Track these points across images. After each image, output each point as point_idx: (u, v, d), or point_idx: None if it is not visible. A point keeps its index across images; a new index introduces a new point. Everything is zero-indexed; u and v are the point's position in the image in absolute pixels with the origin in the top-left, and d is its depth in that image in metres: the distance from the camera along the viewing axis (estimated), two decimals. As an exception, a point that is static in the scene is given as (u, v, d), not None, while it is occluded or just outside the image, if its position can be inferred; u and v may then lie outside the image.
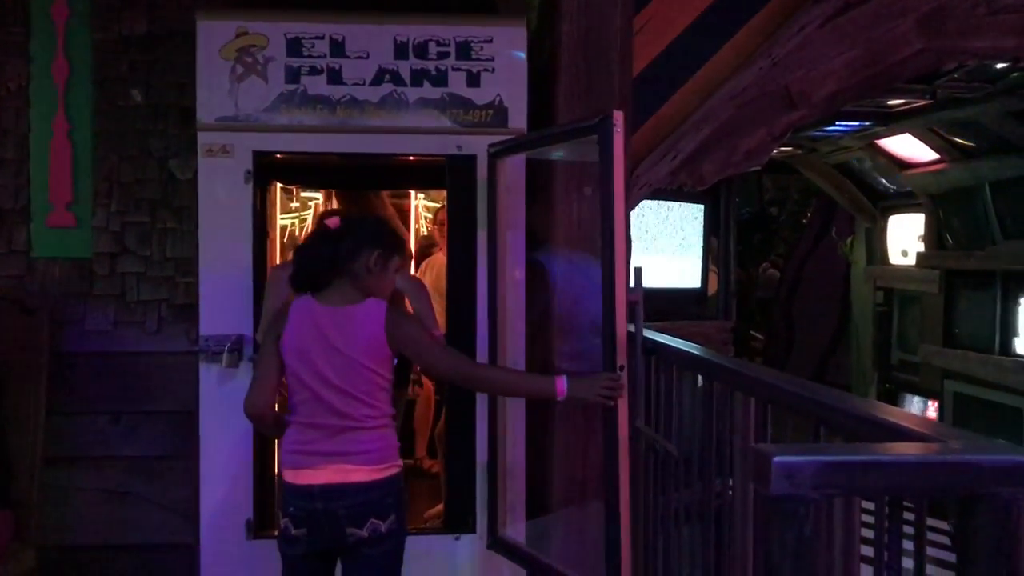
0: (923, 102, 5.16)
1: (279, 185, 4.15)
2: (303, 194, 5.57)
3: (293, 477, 2.47)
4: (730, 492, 2.18)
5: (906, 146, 6.07)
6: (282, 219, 4.50)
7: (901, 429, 1.35)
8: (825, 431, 1.55)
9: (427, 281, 3.90)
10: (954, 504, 1.16)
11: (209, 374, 3.26)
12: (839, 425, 1.53)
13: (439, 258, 4.26)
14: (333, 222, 2.54)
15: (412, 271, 4.61)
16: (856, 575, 1.51)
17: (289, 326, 2.45)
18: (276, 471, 3.84)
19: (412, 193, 5.34)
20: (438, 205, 4.78)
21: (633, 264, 2.90)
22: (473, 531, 3.38)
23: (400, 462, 2.55)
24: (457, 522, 3.41)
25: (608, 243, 2.61)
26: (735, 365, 2.20)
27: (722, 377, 2.18)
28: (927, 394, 6.40)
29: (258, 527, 3.30)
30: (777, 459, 1.11)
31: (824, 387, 1.67)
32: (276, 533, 2.63)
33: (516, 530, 3.35)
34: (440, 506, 3.73)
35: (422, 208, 5.47)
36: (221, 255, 3.26)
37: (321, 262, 2.46)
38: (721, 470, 2.27)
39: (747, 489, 2.04)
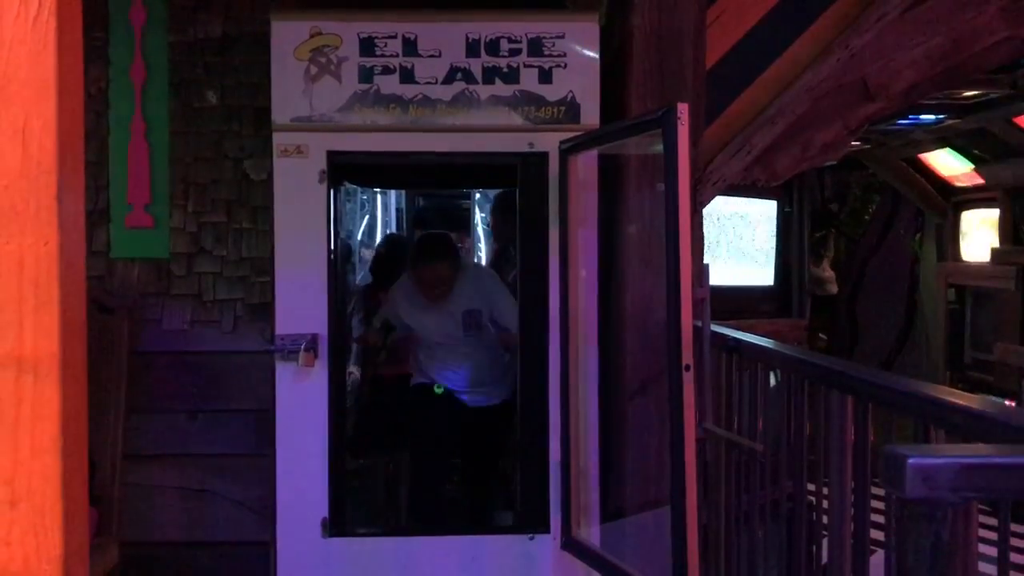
0: (1000, 92, 5.01)
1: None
2: (361, 197, 5.60)
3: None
4: (824, 491, 2.12)
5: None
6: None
7: (1031, 429, 1.28)
8: (941, 432, 1.49)
9: None
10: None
11: (285, 373, 3.27)
12: (957, 425, 1.46)
13: None
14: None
15: None
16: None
17: None
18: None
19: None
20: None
21: (705, 261, 2.85)
22: (548, 531, 3.35)
23: None
24: (531, 522, 3.39)
25: (672, 237, 2.57)
26: (832, 363, 2.14)
27: (817, 375, 2.12)
28: (1002, 394, 6.19)
29: (333, 526, 3.32)
30: (912, 460, 1.06)
31: (936, 385, 1.61)
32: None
33: (590, 532, 3.32)
34: None
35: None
36: (296, 255, 3.27)
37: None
38: (812, 470, 2.21)
39: (844, 488, 1.98)
